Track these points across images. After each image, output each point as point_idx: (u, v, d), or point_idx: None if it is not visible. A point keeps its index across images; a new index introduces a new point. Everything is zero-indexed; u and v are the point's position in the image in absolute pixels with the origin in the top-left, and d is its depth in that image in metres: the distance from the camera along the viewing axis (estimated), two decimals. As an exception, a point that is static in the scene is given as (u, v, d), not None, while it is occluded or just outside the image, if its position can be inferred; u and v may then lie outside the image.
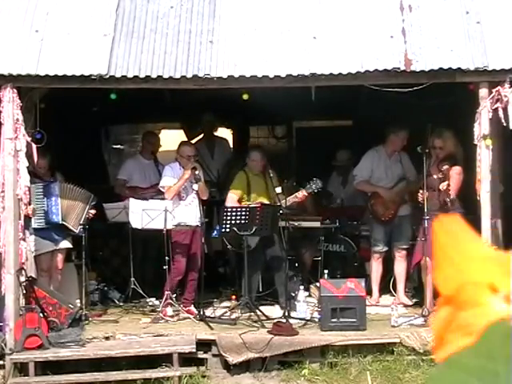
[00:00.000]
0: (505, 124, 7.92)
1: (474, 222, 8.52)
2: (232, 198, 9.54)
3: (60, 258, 9.32)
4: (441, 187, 8.67)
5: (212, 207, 10.53)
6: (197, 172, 9.18)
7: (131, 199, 9.40)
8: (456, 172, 8.85)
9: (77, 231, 9.16)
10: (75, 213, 9.21)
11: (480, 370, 0.90)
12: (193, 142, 11.91)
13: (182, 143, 9.96)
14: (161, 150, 11.64)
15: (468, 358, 0.92)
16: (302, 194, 9.29)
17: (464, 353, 0.93)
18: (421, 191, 8.79)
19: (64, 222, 9.13)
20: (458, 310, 1.08)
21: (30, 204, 8.60)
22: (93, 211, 9.28)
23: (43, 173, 9.19)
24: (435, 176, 8.74)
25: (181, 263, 9.22)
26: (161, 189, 9.37)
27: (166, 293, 8.96)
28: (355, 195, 10.58)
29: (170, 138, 13.59)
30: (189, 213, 9.20)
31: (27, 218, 8.63)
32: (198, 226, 9.17)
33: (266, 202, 9.44)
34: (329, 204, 11.15)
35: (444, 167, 8.73)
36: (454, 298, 1.09)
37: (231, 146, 12.87)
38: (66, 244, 9.35)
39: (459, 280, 1.08)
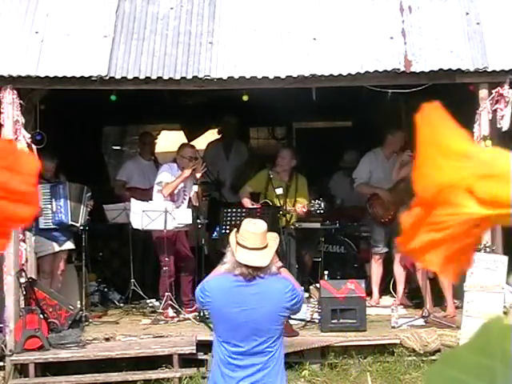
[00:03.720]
0: (499, 126, 7.94)
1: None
2: (245, 190, 9.62)
3: (62, 259, 9.33)
4: None
5: (215, 208, 10.51)
6: (198, 175, 9.20)
7: (132, 199, 9.41)
8: None
9: (78, 224, 9.18)
10: (79, 209, 9.24)
11: (477, 367, 0.90)
12: (210, 141, 11.97)
13: (184, 145, 10.00)
14: (160, 151, 11.66)
15: (465, 355, 0.91)
16: (301, 209, 9.33)
17: (461, 350, 0.93)
18: None
19: (73, 223, 9.15)
20: (432, 209, 1.12)
21: (35, 204, 8.61)
22: (91, 202, 9.29)
23: (49, 176, 9.21)
24: None
25: (171, 264, 9.21)
26: (157, 185, 9.32)
27: (166, 294, 8.97)
28: (361, 197, 10.56)
29: (170, 140, 13.61)
30: (178, 214, 9.19)
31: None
32: (185, 226, 9.19)
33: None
34: (329, 205, 11.15)
35: None
36: (430, 198, 1.12)
37: (247, 149, 12.70)
38: (69, 245, 9.37)
39: (437, 181, 1.11)
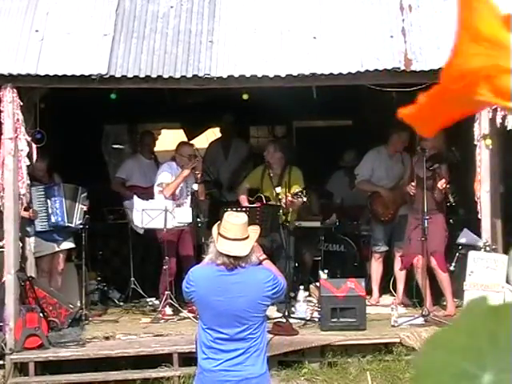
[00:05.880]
0: (499, 125, 7.93)
1: (473, 222, 8.53)
2: (242, 186, 9.71)
3: (61, 258, 9.33)
4: (439, 186, 8.67)
5: (215, 207, 10.51)
6: (198, 173, 9.20)
7: (135, 197, 9.41)
8: (444, 171, 8.87)
9: (73, 225, 9.17)
10: (74, 210, 9.23)
11: (464, 348, 0.89)
12: (211, 141, 11.99)
13: (183, 143, 10.01)
14: (161, 149, 11.65)
15: (451, 337, 0.90)
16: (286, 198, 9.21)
17: (447, 331, 0.92)
18: (412, 183, 8.85)
19: (68, 224, 9.14)
20: (450, 93, 1.10)
21: (30, 206, 8.60)
22: (87, 202, 9.27)
23: (41, 175, 9.19)
24: (421, 176, 8.75)
25: (172, 263, 9.23)
26: (157, 187, 9.32)
27: (166, 293, 8.97)
28: (361, 196, 10.57)
29: (170, 138, 13.60)
30: (178, 213, 9.20)
31: (29, 220, 8.63)
32: (186, 226, 9.19)
33: (272, 200, 9.39)
34: (329, 204, 11.16)
35: (435, 166, 8.74)
36: (451, 83, 1.11)
37: (248, 146, 12.70)
38: (68, 245, 9.36)
39: (462, 67, 1.09)
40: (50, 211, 9.03)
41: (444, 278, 8.90)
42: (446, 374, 0.89)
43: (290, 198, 9.12)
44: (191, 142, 11.93)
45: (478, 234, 8.43)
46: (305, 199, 9.05)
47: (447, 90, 1.09)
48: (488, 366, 0.88)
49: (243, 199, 9.63)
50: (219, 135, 12.25)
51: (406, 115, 1.12)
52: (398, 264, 9.72)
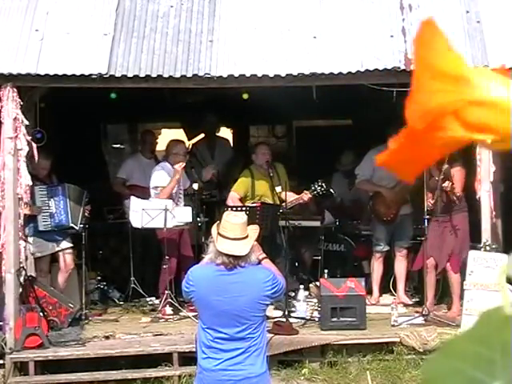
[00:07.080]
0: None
1: (474, 221, 8.53)
2: (233, 197, 9.51)
3: (70, 257, 9.28)
4: (444, 187, 8.64)
5: (213, 207, 10.52)
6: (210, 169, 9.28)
7: (132, 198, 9.41)
8: (457, 170, 8.84)
9: (77, 227, 9.16)
10: (79, 212, 9.22)
11: (476, 357, 0.89)
12: (193, 142, 11.99)
13: (177, 141, 9.95)
14: (161, 149, 11.64)
15: (463, 345, 0.90)
16: (307, 196, 9.21)
17: (459, 339, 0.92)
18: (428, 195, 8.78)
19: (72, 225, 9.12)
20: (418, 135, 1.10)
21: (31, 204, 8.58)
22: (88, 207, 9.27)
23: (44, 175, 9.17)
24: (436, 177, 8.71)
25: (173, 263, 9.24)
26: (153, 190, 9.32)
27: (166, 292, 8.97)
28: (361, 198, 10.55)
29: (170, 138, 13.60)
30: (178, 212, 9.22)
31: (30, 218, 8.62)
32: (185, 225, 9.20)
33: (270, 201, 9.40)
34: (329, 204, 11.16)
35: (444, 167, 8.72)
36: (417, 124, 1.10)
37: (231, 145, 12.87)
38: (66, 244, 9.34)
39: (426, 105, 1.09)
40: (53, 211, 9.01)
41: (455, 279, 8.84)
42: (454, 381, 0.89)
43: (309, 196, 9.13)
44: (190, 141, 11.98)
45: (478, 234, 8.43)
46: (324, 187, 9.12)
47: (415, 132, 1.09)
48: (499, 375, 0.88)
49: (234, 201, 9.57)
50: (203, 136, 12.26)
51: (384, 162, 1.12)
52: (398, 263, 9.73)
